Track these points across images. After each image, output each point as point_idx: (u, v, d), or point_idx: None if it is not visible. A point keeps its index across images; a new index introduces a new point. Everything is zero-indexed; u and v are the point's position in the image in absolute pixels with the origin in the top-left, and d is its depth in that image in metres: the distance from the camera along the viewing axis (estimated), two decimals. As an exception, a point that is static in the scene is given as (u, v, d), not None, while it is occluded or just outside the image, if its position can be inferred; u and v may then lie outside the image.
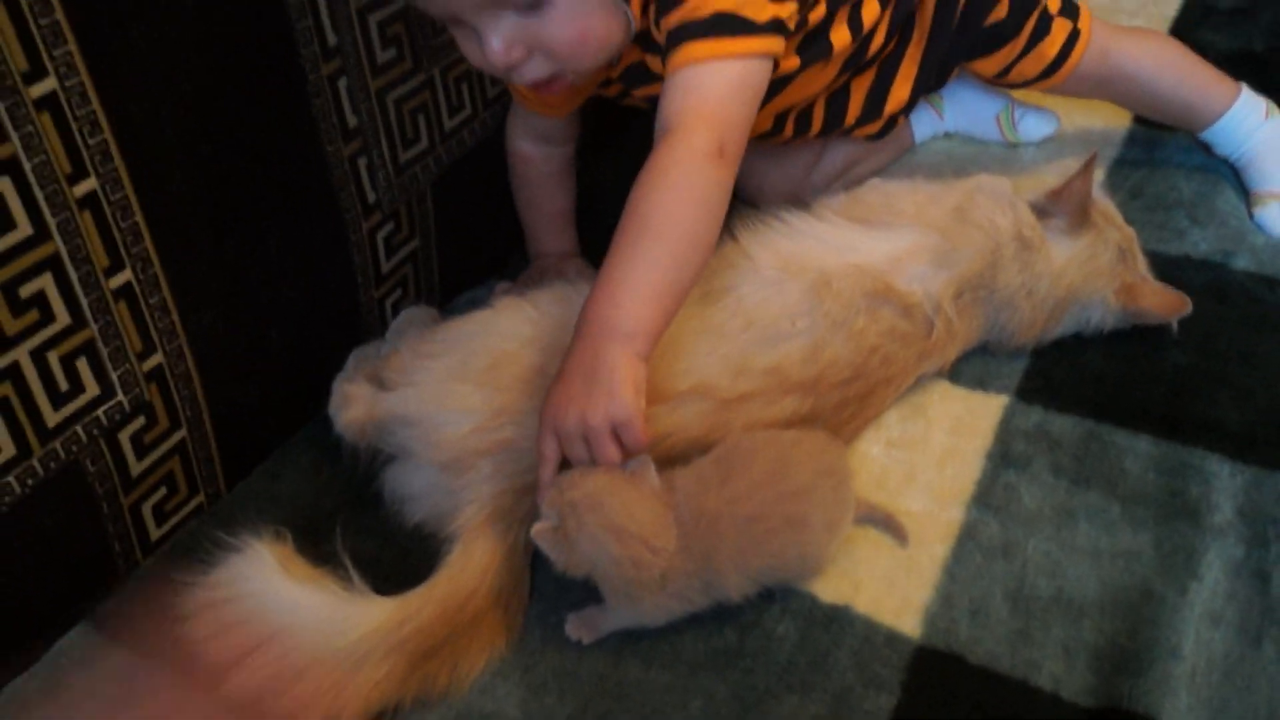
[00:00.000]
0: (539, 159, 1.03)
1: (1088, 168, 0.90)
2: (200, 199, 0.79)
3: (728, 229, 0.92)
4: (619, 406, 0.69)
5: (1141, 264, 0.94)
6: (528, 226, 1.07)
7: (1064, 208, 0.89)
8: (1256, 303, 0.96)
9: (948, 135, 1.18)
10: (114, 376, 0.76)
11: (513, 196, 1.06)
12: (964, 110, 1.14)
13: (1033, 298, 0.89)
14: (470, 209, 1.06)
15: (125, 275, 0.75)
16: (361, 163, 0.91)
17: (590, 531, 0.69)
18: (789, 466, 0.75)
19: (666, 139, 0.75)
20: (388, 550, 0.80)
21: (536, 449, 0.73)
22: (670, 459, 0.76)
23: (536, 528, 0.71)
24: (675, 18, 0.77)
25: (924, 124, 1.11)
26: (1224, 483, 0.81)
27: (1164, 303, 0.91)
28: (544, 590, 0.77)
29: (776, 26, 0.79)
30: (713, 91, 0.76)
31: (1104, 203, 0.94)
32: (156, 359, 0.79)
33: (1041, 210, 0.91)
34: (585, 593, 0.74)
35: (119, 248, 0.74)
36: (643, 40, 0.84)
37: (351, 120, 0.89)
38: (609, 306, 0.71)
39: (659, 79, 0.80)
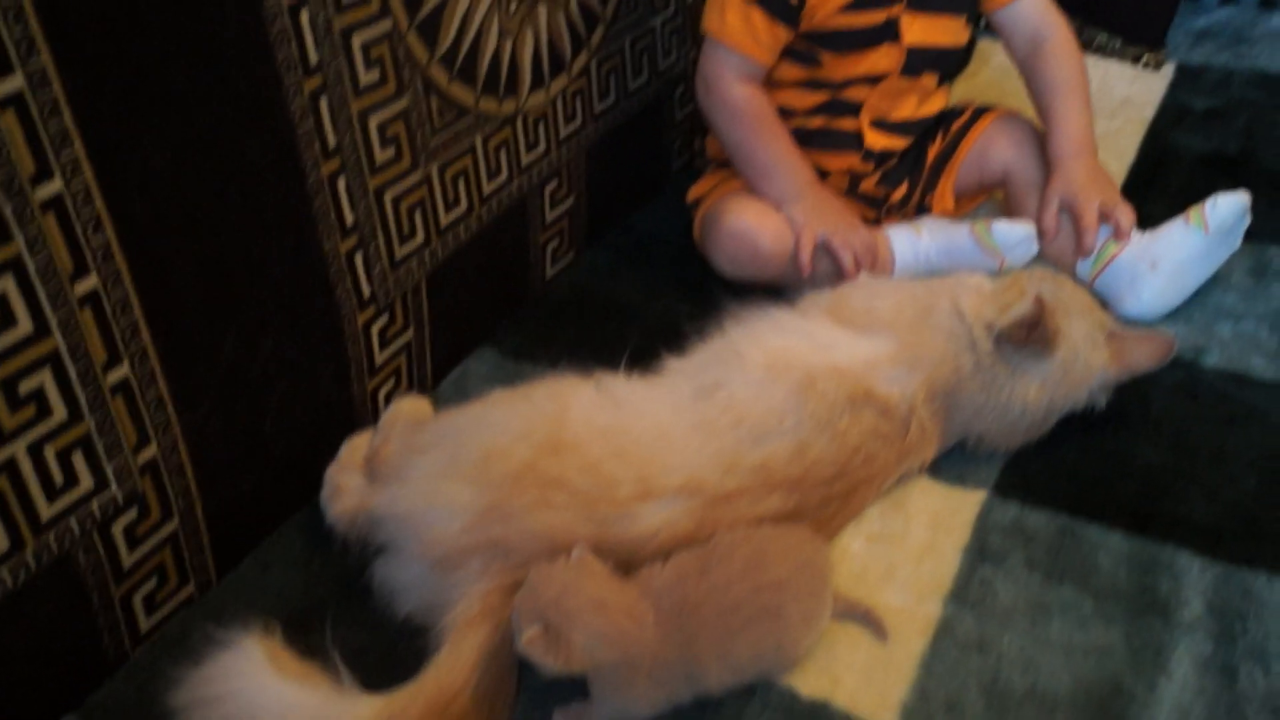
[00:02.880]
0: (760, 95, 1.13)
1: (1038, 303, 0.88)
2: (199, 295, 0.80)
3: (717, 323, 0.95)
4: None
5: (1108, 319, 0.94)
6: (772, 166, 1.13)
7: (1026, 341, 0.89)
8: (1225, 400, 0.99)
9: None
10: (109, 469, 0.77)
11: (739, 152, 1.14)
12: (940, 227, 1.16)
13: (1004, 419, 0.90)
14: (463, 298, 1.08)
15: (123, 370, 0.76)
16: (358, 258, 0.93)
17: (578, 617, 0.70)
18: (767, 559, 0.76)
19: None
20: (377, 642, 0.80)
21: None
22: (658, 556, 0.78)
23: (525, 638, 0.70)
24: None
25: (905, 245, 1.14)
26: (1193, 578, 0.83)
27: (1152, 353, 0.93)
28: (531, 686, 0.78)
29: None
30: None
31: (1052, 289, 0.92)
32: (151, 451, 0.80)
33: (1007, 338, 0.90)
34: (571, 689, 0.75)
35: (117, 344, 0.75)
36: None
37: (349, 218, 0.91)
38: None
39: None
